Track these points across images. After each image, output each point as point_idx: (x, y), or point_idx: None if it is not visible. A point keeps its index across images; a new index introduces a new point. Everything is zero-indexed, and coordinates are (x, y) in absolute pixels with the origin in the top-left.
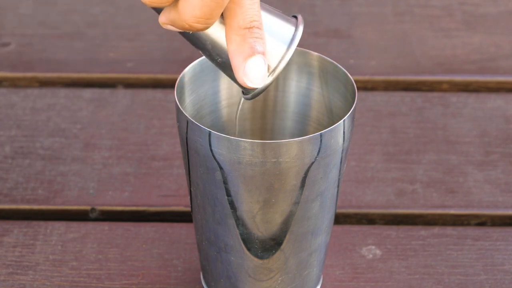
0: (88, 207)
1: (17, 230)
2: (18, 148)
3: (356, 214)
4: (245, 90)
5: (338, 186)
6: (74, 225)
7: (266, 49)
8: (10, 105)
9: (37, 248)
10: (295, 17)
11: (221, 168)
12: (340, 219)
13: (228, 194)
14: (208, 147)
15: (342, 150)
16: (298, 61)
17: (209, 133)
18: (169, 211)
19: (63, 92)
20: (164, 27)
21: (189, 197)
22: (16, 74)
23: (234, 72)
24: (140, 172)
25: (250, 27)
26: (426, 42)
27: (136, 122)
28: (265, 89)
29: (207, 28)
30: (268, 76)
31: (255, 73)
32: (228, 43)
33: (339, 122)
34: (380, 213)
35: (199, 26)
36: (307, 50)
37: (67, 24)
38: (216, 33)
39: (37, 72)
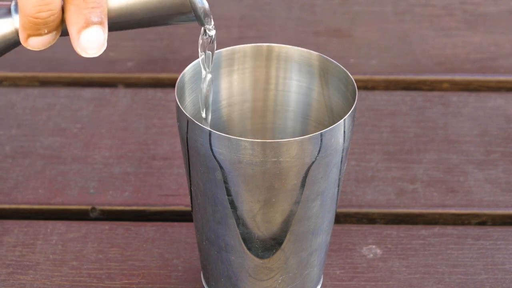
0: (88, 207)
1: (17, 230)
2: (18, 147)
3: (356, 214)
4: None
5: (338, 186)
6: (74, 224)
7: (105, 17)
8: (10, 104)
9: (38, 248)
10: None
11: (221, 167)
12: (340, 218)
13: (229, 193)
14: (209, 147)
15: (343, 150)
16: (298, 61)
17: (210, 133)
18: (170, 211)
19: (63, 91)
20: (29, 45)
21: (189, 196)
22: (16, 73)
23: (71, 41)
24: (141, 171)
25: None
26: (426, 41)
27: (137, 122)
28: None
29: (53, 14)
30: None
31: (89, 43)
32: (65, 12)
33: (340, 121)
34: (380, 213)
35: (43, 14)
36: (308, 50)
37: None
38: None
39: (37, 71)
